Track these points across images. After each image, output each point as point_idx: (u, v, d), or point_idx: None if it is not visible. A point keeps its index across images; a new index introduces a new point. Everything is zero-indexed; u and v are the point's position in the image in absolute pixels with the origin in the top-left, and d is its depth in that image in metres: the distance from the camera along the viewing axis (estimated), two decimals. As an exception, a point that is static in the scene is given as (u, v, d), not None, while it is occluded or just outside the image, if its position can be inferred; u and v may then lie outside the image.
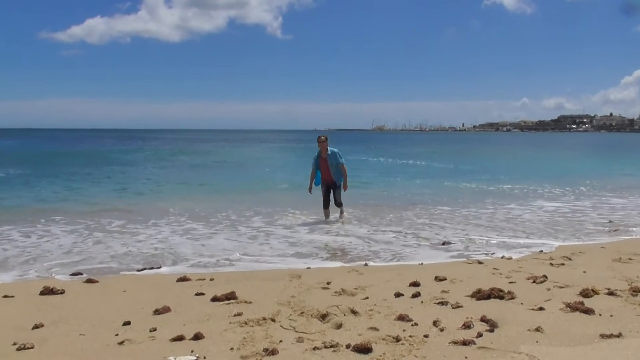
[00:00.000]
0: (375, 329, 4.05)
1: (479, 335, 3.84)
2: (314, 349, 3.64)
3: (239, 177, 21.75)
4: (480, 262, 6.73)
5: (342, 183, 10.73)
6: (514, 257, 7.06)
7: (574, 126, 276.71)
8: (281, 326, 4.18)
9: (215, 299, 5.00)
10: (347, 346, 3.65)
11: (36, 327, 4.29)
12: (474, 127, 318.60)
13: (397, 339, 3.78)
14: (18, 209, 12.02)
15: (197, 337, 3.88)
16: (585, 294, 4.89)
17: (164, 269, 6.87)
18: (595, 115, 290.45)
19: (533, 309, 4.50)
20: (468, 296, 4.96)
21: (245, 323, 4.23)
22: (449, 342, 3.72)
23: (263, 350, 3.60)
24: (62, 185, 17.81)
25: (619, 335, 3.80)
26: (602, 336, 3.81)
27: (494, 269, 6.26)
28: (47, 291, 5.42)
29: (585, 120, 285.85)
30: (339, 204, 10.74)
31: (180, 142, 70.57)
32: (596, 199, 14.19)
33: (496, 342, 3.73)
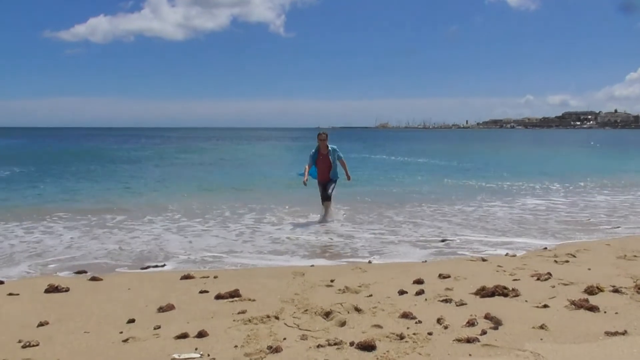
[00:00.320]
0: (379, 326, 4.04)
1: (483, 332, 3.84)
2: (317, 346, 3.64)
3: (240, 174, 21.82)
4: (484, 260, 6.72)
5: (337, 178, 10.62)
6: (516, 255, 7.04)
7: (579, 123, 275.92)
8: (285, 324, 4.18)
9: (219, 297, 5.01)
10: (351, 344, 3.65)
11: (41, 324, 4.31)
12: (478, 124, 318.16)
13: (401, 337, 3.78)
14: (22, 207, 12.10)
15: (201, 334, 3.89)
16: (590, 291, 4.88)
17: (167, 267, 6.90)
18: (599, 111, 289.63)
19: (537, 307, 4.49)
20: (472, 294, 4.95)
21: (249, 321, 4.23)
22: (453, 340, 3.71)
23: (267, 348, 3.60)
24: (65, 183, 17.94)
25: (624, 333, 3.79)
26: (607, 334, 3.80)
27: (498, 266, 6.25)
28: (52, 289, 5.44)
29: (589, 117, 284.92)
30: (328, 197, 10.48)
31: (183, 141, 70.71)
32: (582, 197, 14.24)
33: (500, 339, 3.73)
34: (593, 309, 4.35)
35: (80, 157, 32.36)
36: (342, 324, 4.13)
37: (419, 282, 5.44)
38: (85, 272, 6.50)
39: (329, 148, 10.67)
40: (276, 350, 3.56)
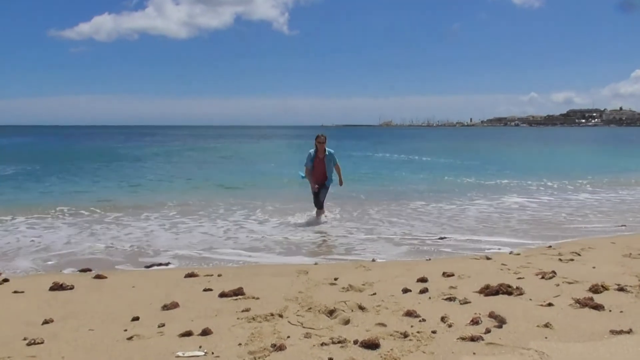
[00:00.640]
0: (383, 324, 4.04)
1: (487, 331, 3.83)
2: (321, 344, 3.64)
3: (242, 172, 21.95)
4: (488, 258, 6.70)
5: (329, 184, 10.29)
6: (520, 253, 7.03)
7: (583, 121, 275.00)
8: (289, 322, 4.18)
9: (223, 295, 5.02)
10: (355, 342, 3.65)
11: (46, 322, 4.32)
12: (482, 122, 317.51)
13: (405, 335, 3.77)
14: (26, 204, 12.17)
15: (205, 332, 3.89)
16: (595, 289, 4.86)
17: (171, 265, 6.92)
18: (605, 109, 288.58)
19: (542, 305, 4.48)
20: (476, 292, 4.95)
21: (253, 319, 4.24)
22: (457, 338, 3.71)
23: (271, 346, 3.60)
24: (69, 181, 18.11)
25: (629, 332, 3.78)
26: (612, 332, 3.78)
27: (502, 264, 6.24)
28: (57, 287, 5.46)
29: (594, 114, 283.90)
30: (321, 204, 10.29)
31: (188, 139, 70.87)
32: (566, 195, 14.34)
33: (504, 338, 3.72)
34: (598, 307, 4.33)
35: (84, 155, 32.51)
36: (346, 322, 4.12)
37: (422, 280, 5.44)
38: (89, 270, 6.52)
39: (327, 152, 10.27)
40: (280, 348, 3.56)
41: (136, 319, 4.34)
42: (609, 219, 10.40)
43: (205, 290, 5.29)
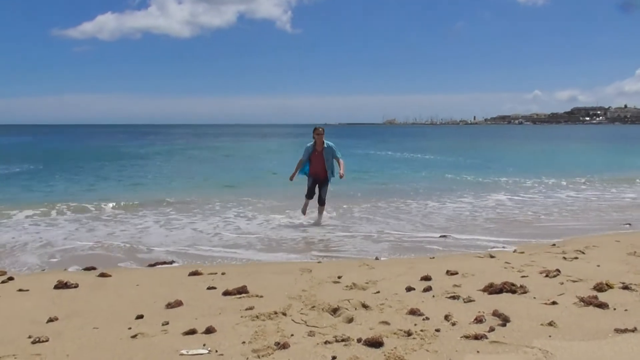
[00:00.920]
0: (386, 323, 4.04)
1: (491, 329, 3.82)
2: (325, 343, 3.64)
3: (244, 171, 22.05)
4: (492, 256, 6.69)
5: (330, 179, 9.88)
6: (524, 251, 7.01)
7: (588, 118, 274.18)
8: (292, 320, 4.18)
9: (226, 293, 5.02)
10: (359, 340, 3.65)
11: (51, 320, 4.34)
12: (486, 120, 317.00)
13: (409, 333, 3.77)
14: (29, 202, 12.22)
15: (209, 330, 3.90)
16: (599, 288, 4.85)
17: (175, 264, 6.94)
18: (609, 107, 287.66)
19: (546, 303, 4.47)
20: (480, 290, 4.94)
21: (257, 317, 4.24)
22: (461, 337, 3.70)
23: (274, 344, 3.60)
24: (72, 179, 18.26)
25: (634, 330, 3.76)
26: (617, 331, 3.77)
27: (506, 263, 6.23)
28: (61, 285, 5.48)
29: (599, 112, 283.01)
30: (322, 201, 9.88)
31: (190, 137, 70.99)
32: (552, 193, 14.54)
33: (508, 336, 3.71)
34: (602, 305, 4.32)
35: (87, 154, 32.62)
36: (350, 320, 4.12)
37: (426, 278, 5.43)
38: (94, 268, 6.54)
39: (325, 145, 9.78)
40: (284, 346, 3.57)
41: (140, 317, 4.35)
42: (576, 217, 10.58)
43: (209, 288, 5.30)
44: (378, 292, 4.98)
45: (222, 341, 3.73)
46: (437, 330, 3.84)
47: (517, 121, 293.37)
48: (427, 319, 4.12)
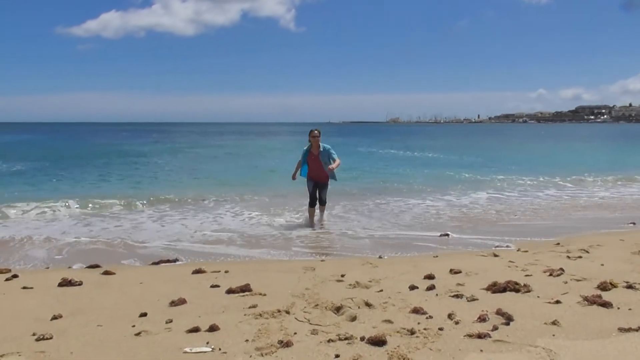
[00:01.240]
0: (389, 321, 4.04)
1: (495, 328, 3.82)
2: (328, 341, 3.64)
3: (247, 169, 22.14)
4: (495, 255, 6.68)
5: (332, 179, 9.69)
6: (528, 250, 7.00)
7: (592, 117, 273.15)
8: (296, 318, 4.19)
9: (230, 291, 5.03)
10: (362, 339, 3.65)
11: (55, 318, 4.35)
12: (490, 118, 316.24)
13: (412, 332, 3.77)
14: (33, 200, 12.31)
15: (213, 328, 3.91)
16: (603, 287, 4.83)
17: (179, 262, 6.95)
18: (614, 105, 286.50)
19: (549, 302, 4.46)
20: (483, 289, 4.93)
21: (260, 315, 4.25)
22: (464, 335, 3.70)
23: (278, 342, 3.61)
24: (75, 177, 18.45)
25: (637, 329, 3.75)
26: (621, 330, 3.76)
27: (510, 261, 6.22)
28: (66, 283, 5.50)
29: (603, 110, 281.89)
30: (323, 202, 9.74)
31: (194, 136, 71.05)
32: (534, 192, 14.73)
33: (512, 335, 3.71)
34: (606, 305, 4.31)
35: (91, 152, 32.71)
36: (353, 318, 4.13)
37: (429, 277, 5.43)
38: (98, 266, 6.55)
39: (321, 148, 9.53)
40: (287, 344, 3.57)
41: (144, 315, 4.36)
42: (540, 216, 10.68)
43: (212, 286, 5.30)
44: (381, 290, 4.98)
45: (226, 339, 3.73)
46: (441, 329, 3.83)
47: (521, 120, 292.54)
48: (431, 317, 4.11)
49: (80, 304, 4.78)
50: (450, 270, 5.71)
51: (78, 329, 4.06)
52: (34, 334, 3.91)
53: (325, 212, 9.93)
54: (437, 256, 6.89)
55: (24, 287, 5.43)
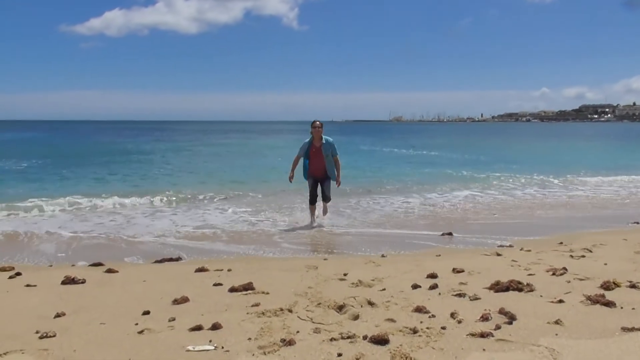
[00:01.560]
0: (392, 320, 4.04)
1: (497, 327, 3.81)
2: (331, 340, 3.64)
3: (249, 167, 22.15)
4: (498, 254, 6.67)
5: (333, 175, 9.41)
6: (531, 250, 6.98)
7: (596, 116, 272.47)
8: (298, 317, 4.19)
9: (233, 290, 5.03)
10: (364, 337, 3.65)
11: (58, 315, 4.36)
12: (493, 117, 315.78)
13: (414, 331, 3.77)
14: (35, 197, 12.35)
15: (215, 327, 3.91)
16: (607, 286, 4.82)
17: (182, 260, 6.97)
18: (617, 104, 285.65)
19: (552, 302, 4.45)
20: (486, 288, 4.92)
21: (263, 313, 4.25)
22: (467, 334, 3.69)
23: (280, 341, 3.61)
24: (77, 174, 18.58)
25: (640, 329, 3.74)
26: (624, 329, 3.75)
27: (513, 260, 6.21)
28: (69, 280, 5.51)
29: (607, 109, 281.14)
30: (326, 197, 9.43)
31: (197, 134, 71.13)
32: (514, 191, 14.83)
33: (515, 334, 3.70)
34: (609, 304, 4.30)
35: (94, 150, 32.80)
36: (356, 317, 4.12)
37: (432, 276, 5.42)
38: (101, 264, 6.56)
39: (324, 140, 9.26)
40: (289, 343, 3.57)
41: (147, 313, 4.37)
42: (506, 215, 10.78)
43: (215, 284, 5.31)
44: (384, 289, 4.98)
45: (228, 337, 3.74)
46: (443, 328, 3.83)
47: (524, 119, 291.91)
48: (433, 316, 4.11)
49: (84, 302, 4.79)
50: (453, 270, 5.70)
51: (81, 327, 4.06)
52: (37, 332, 3.92)
53: (328, 209, 9.70)
54: (439, 255, 6.88)
55: (27, 285, 5.44)
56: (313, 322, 4.04)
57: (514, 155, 29.95)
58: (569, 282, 5.12)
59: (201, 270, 6.03)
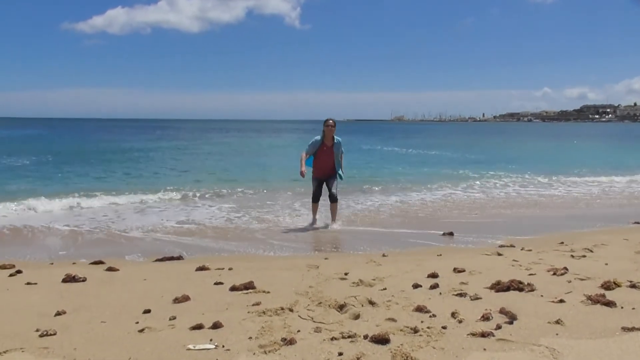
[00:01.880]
0: (393, 320, 4.03)
1: (498, 327, 3.81)
2: (331, 339, 3.64)
3: (251, 165, 22.17)
4: (499, 254, 6.67)
5: (340, 173, 9.29)
6: (532, 249, 6.98)
7: (597, 116, 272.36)
8: (299, 316, 4.19)
9: (233, 289, 5.03)
10: (365, 337, 3.65)
11: (58, 313, 4.36)
12: (494, 117, 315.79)
13: (415, 330, 3.77)
14: (36, 194, 12.37)
15: (216, 325, 3.91)
16: (607, 286, 4.82)
17: (183, 259, 6.96)
18: (619, 105, 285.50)
19: (553, 301, 4.45)
20: (487, 288, 4.92)
21: (264, 312, 4.25)
22: (468, 334, 3.69)
23: (281, 340, 3.61)
24: (78, 172, 18.68)
25: (641, 329, 3.74)
26: (624, 329, 3.75)
27: (514, 260, 6.20)
28: (69, 279, 5.51)
29: (608, 110, 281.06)
30: (334, 197, 9.15)
31: (198, 132, 71.17)
32: (493, 189, 15.16)
33: (515, 334, 3.70)
34: (610, 304, 4.29)
35: (96, 148, 32.82)
36: (356, 317, 4.12)
37: (433, 275, 5.42)
38: (102, 262, 6.57)
39: (335, 140, 9.15)
40: (290, 342, 3.57)
41: (147, 311, 4.37)
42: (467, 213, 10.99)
43: (216, 283, 5.31)
44: (385, 288, 4.97)
45: (229, 336, 3.74)
46: (444, 328, 3.83)
47: (526, 118, 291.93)
48: (434, 316, 4.11)
49: (84, 300, 4.79)
50: (454, 269, 5.70)
51: (82, 325, 4.07)
52: (37, 330, 3.92)
53: (337, 211, 9.31)
54: (440, 255, 6.88)
55: (28, 283, 5.44)
56: (314, 322, 4.04)
57: (514, 155, 29.98)
58: (569, 282, 5.11)
59: (202, 269, 6.03)
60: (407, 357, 3.32)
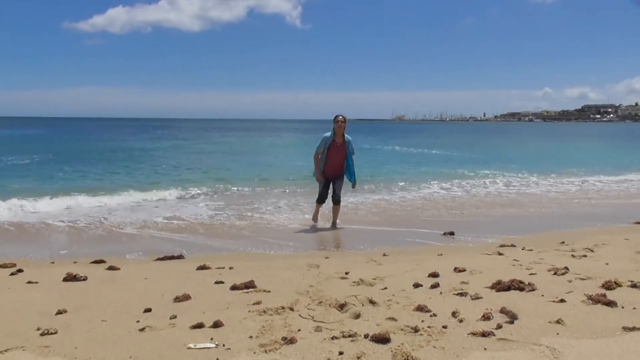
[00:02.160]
0: (393, 319, 4.04)
1: (499, 326, 3.81)
2: (332, 338, 3.64)
3: (252, 165, 22.15)
4: (500, 254, 6.67)
5: (352, 179, 9.08)
6: (533, 249, 6.98)
7: (598, 116, 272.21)
8: (300, 315, 4.19)
9: (234, 288, 5.04)
10: (366, 336, 3.65)
11: (59, 312, 4.37)
12: (495, 117, 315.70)
13: (416, 330, 3.77)
14: (37, 193, 12.42)
15: (217, 325, 3.91)
16: (608, 286, 4.82)
17: (183, 258, 6.97)
18: (620, 104, 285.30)
19: (554, 301, 4.45)
20: (488, 287, 4.92)
21: (264, 312, 4.25)
22: (468, 333, 3.69)
23: (282, 339, 3.61)
24: (78, 171, 18.71)
25: (642, 329, 3.73)
26: (625, 329, 3.75)
27: (514, 260, 6.20)
28: (70, 278, 5.52)
29: (609, 110, 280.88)
30: (338, 199, 8.95)
31: (199, 132, 71.18)
32: (479, 188, 15.30)
33: (516, 333, 3.70)
34: (610, 304, 4.29)
35: (96, 147, 32.86)
36: (357, 316, 4.12)
37: (434, 275, 5.42)
38: (103, 261, 6.57)
39: (345, 137, 8.89)
40: (291, 341, 3.57)
41: (148, 310, 4.38)
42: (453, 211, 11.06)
43: (216, 282, 5.31)
44: (385, 288, 4.98)
45: (230, 335, 3.74)
46: (444, 327, 3.83)
47: (527, 118, 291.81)
48: (435, 315, 4.11)
49: (85, 299, 4.80)
50: (455, 269, 5.70)
51: (82, 324, 4.07)
52: (38, 329, 3.92)
53: (338, 213, 9.19)
54: (441, 254, 6.88)
55: (29, 282, 5.45)
56: (314, 321, 4.04)
57: (513, 155, 30.00)
58: (570, 281, 5.11)
59: (203, 268, 6.03)
60: (407, 357, 3.32)
